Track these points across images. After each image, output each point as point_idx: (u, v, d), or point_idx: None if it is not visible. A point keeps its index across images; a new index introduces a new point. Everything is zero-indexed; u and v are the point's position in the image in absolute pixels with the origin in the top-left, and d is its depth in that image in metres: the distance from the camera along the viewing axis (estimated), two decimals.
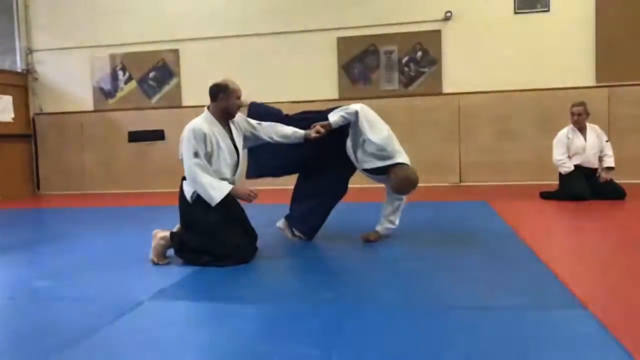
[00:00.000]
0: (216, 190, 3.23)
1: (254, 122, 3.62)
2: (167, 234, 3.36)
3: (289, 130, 3.61)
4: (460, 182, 7.64)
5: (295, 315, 2.33)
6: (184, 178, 3.37)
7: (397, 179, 3.55)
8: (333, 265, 3.26)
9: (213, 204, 3.24)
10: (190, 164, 3.25)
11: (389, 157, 3.57)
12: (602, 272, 2.99)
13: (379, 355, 1.86)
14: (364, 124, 3.61)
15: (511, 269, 2.99)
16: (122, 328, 2.24)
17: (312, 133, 3.58)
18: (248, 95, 3.90)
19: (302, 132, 3.61)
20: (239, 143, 3.48)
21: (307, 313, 2.35)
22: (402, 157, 3.59)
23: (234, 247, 3.24)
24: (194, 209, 3.33)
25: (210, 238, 3.24)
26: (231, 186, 3.28)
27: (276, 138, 3.61)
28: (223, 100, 3.36)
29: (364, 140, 3.63)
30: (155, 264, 3.31)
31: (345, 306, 2.38)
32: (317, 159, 3.82)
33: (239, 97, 3.41)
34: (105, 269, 3.29)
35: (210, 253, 3.22)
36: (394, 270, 3.06)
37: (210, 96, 3.39)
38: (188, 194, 3.34)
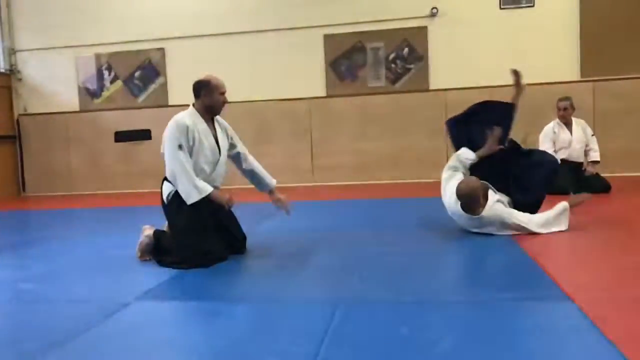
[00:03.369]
0: (195, 190, 3.16)
1: (236, 137, 3.60)
2: (152, 231, 3.35)
3: (261, 174, 3.60)
4: None
5: (284, 314, 2.32)
6: (165, 178, 3.33)
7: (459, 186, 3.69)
8: (321, 263, 3.25)
9: (188, 203, 3.17)
10: (173, 157, 3.19)
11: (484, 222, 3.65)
12: (588, 264, 3.02)
13: (369, 351, 1.86)
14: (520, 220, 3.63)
15: (498, 263, 3.01)
16: (109, 329, 2.22)
17: (277, 204, 3.58)
18: None
19: (272, 185, 3.60)
20: (223, 143, 3.44)
21: (296, 311, 2.35)
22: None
23: (199, 253, 3.14)
24: (168, 210, 3.31)
25: (179, 240, 3.20)
26: (212, 189, 3.21)
27: (246, 169, 3.59)
28: (206, 96, 3.33)
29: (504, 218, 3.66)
30: (138, 258, 3.35)
31: (335, 303, 2.38)
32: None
33: (222, 93, 3.37)
34: (92, 270, 3.26)
35: (176, 255, 3.18)
36: (383, 266, 3.06)
37: (194, 93, 3.37)
38: (165, 193, 3.30)
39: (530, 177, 3.88)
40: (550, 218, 3.64)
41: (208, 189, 3.20)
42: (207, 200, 3.21)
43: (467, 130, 4.02)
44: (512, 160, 3.94)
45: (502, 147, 3.90)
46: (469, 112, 4.11)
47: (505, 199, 3.82)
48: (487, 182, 3.75)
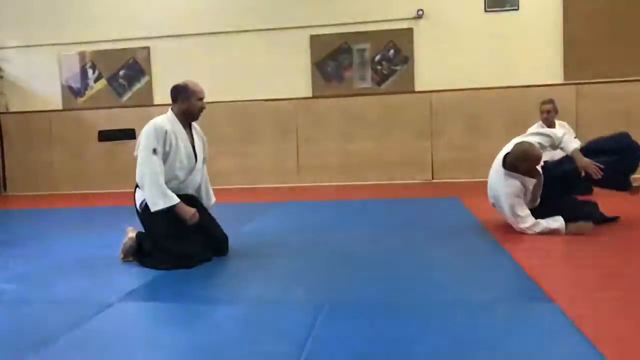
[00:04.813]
0: (162, 198, 3.10)
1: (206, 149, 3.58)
2: (135, 233, 3.33)
3: (207, 190, 3.58)
4: (433, 178, 7.72)
5: (268, 315, 2.32)
6: (137, 185, 3.27)
7: (531, 144, 3.67)
8: (305, 263, 3.25)
9: (152, 210, 3.12)
10: (145, 161, 3.14)
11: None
12: (569, 265, 3.06)
13: (352, 352, 1.86)
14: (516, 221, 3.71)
15: (481, 264, 3.04)
16: (91, 330, 2.20)
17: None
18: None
19: (210, 204, 3.57)
20: (199, 150, 3.42)
21: (279, 312, 2.34)
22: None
23: (182, 257, 3.12)
24: (144, 218, 3.26)
25: (160, 247, 3.16)
26: (178, 201, 3.14)
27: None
28: (183, 102, 3.29)
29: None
30: (121, 260, 3.31)
31: (319, 304, 2.38)
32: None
33: (200, 99, 3.33)
34: (74, 271, 3.23)
35: (158, 259, 3.16)
36: (364, 267, 3.07)
37: (171, 98, 3.34)
38: (138, 201, 3.24)
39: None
40: (546, 229, 3.64)
41: (175, 199, 3.14)
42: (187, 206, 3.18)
43: (607, 147, 3.82)
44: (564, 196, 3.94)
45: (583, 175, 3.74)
46: (627, 142, 3.83)
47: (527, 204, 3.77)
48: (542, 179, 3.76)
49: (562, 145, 3.79)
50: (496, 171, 3.80)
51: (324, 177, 7.93)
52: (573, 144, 3.79)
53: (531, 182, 3.74)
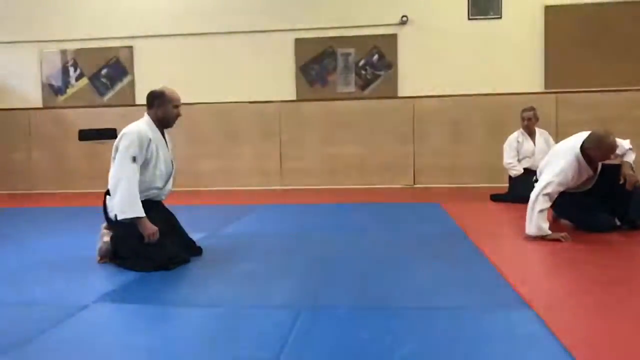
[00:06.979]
0: (132, 208, 3.05)
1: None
2: (110, 237, 3.29)
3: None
4: (414, 184, 7.76)
5: (244, 319, 2.30)
6: (107, 193, 3.23)
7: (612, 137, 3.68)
8: (281, 268, 3.24)
9: (119, 218, 3.08)
10: (123, 167, 3.10)
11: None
12: (547, 272, 3.09)
13: (329, 357, 1.86)
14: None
15: (460, 270, 3.05)
16: (65, 332, 2.17)
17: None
18: None
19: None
20: (173, 155, 3.42)
21: (256, 316, 2.33)
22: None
23: (163, 261, 3.09)
24: (117, 227, 3.20)
25: (140, 253, 3.11)
26: (143, 216, 3.09)
27: None
28: (159, 108, 3.27)
29: None
30: (98, 261, 3.28)
31: (297, 308, 2.37)
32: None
33: (176, 106, 3.30)
34: (50, 272, 3.17)
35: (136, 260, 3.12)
36: (344, 272, 3.07)
37: (147, 103, 3.31)
38: (111, 213, 3.17)
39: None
40: (536, 221, 3.68)
41: (143, 213, 3.09)
42: (153, 209, 3.17)
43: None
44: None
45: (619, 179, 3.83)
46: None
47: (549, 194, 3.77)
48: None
49: (625, 147, 3.89)
50: (573, 145, 3.79)
51: (307, 180, 7.92)
52: (630, 157, 3.87)
53: (588, 174, 3.79)
